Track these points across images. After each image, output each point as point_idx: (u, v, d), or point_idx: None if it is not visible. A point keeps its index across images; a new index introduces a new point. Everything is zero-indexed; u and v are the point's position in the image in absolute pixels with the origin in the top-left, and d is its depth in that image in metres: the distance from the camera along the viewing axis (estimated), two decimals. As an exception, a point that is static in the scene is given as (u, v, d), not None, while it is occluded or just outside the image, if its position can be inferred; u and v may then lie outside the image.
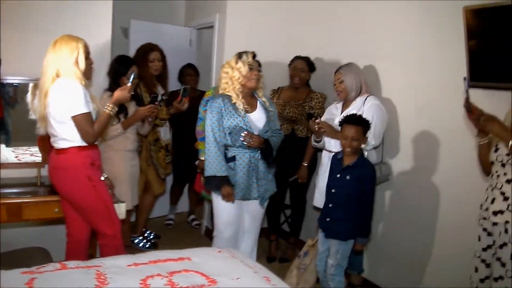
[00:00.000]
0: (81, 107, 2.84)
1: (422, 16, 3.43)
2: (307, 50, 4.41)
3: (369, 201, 3.12)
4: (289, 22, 4.85)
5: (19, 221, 3.43)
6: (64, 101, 2.83)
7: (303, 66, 4.17)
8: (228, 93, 3.25)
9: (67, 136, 2.92)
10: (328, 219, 3.20)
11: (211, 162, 3.23)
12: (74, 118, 2.85)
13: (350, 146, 3.06)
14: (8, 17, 3.66)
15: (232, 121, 3.20)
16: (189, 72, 4.96)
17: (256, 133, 3.25)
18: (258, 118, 3.30)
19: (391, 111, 3.60)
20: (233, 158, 3.26)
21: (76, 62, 2.88)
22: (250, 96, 3.33)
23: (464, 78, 2.69)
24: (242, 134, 3.20)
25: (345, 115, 3.23)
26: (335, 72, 3.60)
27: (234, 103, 3.22)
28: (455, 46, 3.08)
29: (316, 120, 3.47)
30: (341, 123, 3.13)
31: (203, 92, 4.68)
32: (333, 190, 3.20)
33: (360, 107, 3.46)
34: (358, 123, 3.07)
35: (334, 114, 3.65)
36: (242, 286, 2.28)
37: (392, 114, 3.61)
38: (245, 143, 3.21)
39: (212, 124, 3.22)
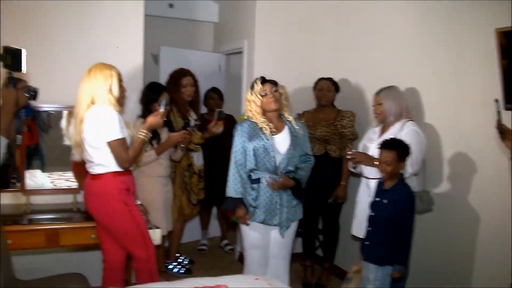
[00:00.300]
0: (116, 133, 2.90)
1: (456, 38, 3.42)
2: (337, 73, 4.45)
3: (406, 226, 3.07)
4: (318, 46, 4.90)
5: (56, 247, 3.49)
6: (99, 127, 2.89)
7: (329, 85, 4.23)
8: (251, 115, 3.32)
9: (103, 162, 2.97)
10: (367, 243, 3.19)
11: (230, 183, 3.30)
12: (110, 143, 2.90)
13: (384, 170, 3.06)
14: (42, 46, 3.78)
15: (257, 143, 3.23)
16: (213, 96, 5.03)
17: (281, 155, 3.25)
18: (282, 140, 3.29)
19: (433, 138, 3.54)
20: (257, 180, 3.27)
21: (110, 90, 2.95)
22: (278, 118, 3.35)
23: (496, 100, 2.68)
24: (265, 181, 3.24)
25: (382, 140, 3.21)
26: (375, 94, 3.57)
27: (261, 128, 3.26)
28: (490, 68, 3.06)
29: (349, 153, 3.45)
30: (380, 147, 3.13)
31: (229, 116, 4.76)
32: (372, 213, 3.19)
33: (398, 133, 3.38)
34: (392, 147, 3.05)
35: (371, 139, 3.61)
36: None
37: (434, 140, 3.55)
38: (270, 188, 3.24)
39: (236, 146, 3.29)
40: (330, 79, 4.25)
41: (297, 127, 3.36)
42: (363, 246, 3.25)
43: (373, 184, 3.44)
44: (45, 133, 3.91)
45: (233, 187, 3.27)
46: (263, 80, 3.30)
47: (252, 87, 3.31)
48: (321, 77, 4.31)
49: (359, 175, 3.71)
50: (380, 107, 3.48)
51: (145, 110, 3.84)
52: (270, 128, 3.27)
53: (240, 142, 3.28)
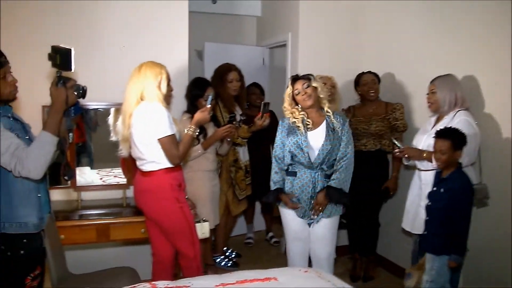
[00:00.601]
0: (166, 130, 2.91)
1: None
2: (383, 65, 4.36)
3: (463, 216, 2.97)
4: (362, 37, 4.82)
5: (107, 241, 3.57)
6: (149, 123, 2.91)
7: (373, 79, 4.15)
8: (288, 116, 3.33)
9: (155, 159, 2.99)
10: (425, 233, 3.13)
11: (271, 176, 3.37)
12: (160, 140, 2.92)
13: (439, 159, 2.99)
14: (89, 47, 3.85)
15: (292, 139, 3.24)
16: (254, 91, 4.99)
17: (316, 152, 3.22)
18: (318, 136, 3.25)
19: (492, 128, 3.40)
20: (293, 173, 3.28)
21: (159, 87, 2.97)
22: (317, 112, 3.30)
23: None
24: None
25: (437, 129, 3.11)
26: (430, 83, 3.45)
27: (297, 121, 3.25)
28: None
29: (396, 151, 3.40)
30: (435, 136, 3.05)
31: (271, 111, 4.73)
32: (429, 203, 3.12)
33: (449, 122, 3.27)
34: (447, 136, 2.97)
35: (426, 130, 3.49)
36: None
37: (493, 131, 3.40)
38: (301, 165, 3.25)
39: (276, 141, 3.35)
40: (372, 73, 4.17)
41: (335, 121, 3.28)
42: (421, 237, 3.20)
43: (424, 176, 3.36)
44: (93, 131, 3.99)
45: (273, 180, 3.35)
46: (294, 78, 3.28)
47: (287, 86, 3.32)
48: (361, 72, 4.23)
49: (412, 168, 3.62)
50: (433, 96, 3.37)
51: (191, 106, 3.87)
52: (307, 124, 3.25)
53: (280, 137, 3.33)
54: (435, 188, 3.08)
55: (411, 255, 3.79)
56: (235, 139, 4.10)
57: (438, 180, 3.08)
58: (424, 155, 3.29)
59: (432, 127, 3.40)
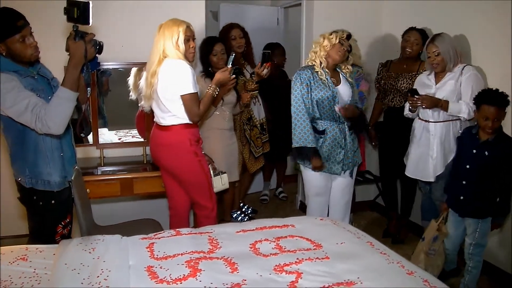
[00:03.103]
0: (190, 87, 3.00)
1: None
2: (397, 24, 4.33)
3: (509, 179, 2.97)
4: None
5: (131, 195, 3.73)
6: (174, 80, 3.00)
7: (417, 38, 3.95)
8: (313, 62, 3.30)
9: (177, 113, 3.09)
10: (461, 197, 3.11)
11: (300, 132, 3.24)
12: (183, 97, 3.02)
13: (492, 127, 2.93)
14: (111, 7, 3.89)
15: (321, 93, 3.24)
16: (278, 52, 5.02)
17: (344, 104, 3.29)
18: (344, 91, 3.32)
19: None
20: (323, 132, 3.30)
21: (177, 45, 3.04)
22: (334, 71, 3.36)
23: None
24: (337, 109, 3.24)
25: (482, 92, 3.04)
26: (428, 44, 3.49)
27: (321, 76, 3.26)
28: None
29: (417, 97, 3.41)
30: (478, 101, 3.00)
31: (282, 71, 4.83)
32: (467, 166, 3.08)
33: (458, 78, 3.38)
34: (500, 104, 2.93)
35: (428, 84, 3.55)
36: (346, 250, 2.36)
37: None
38: (341, 114, 3.25)
39: (302, 95, 3.25)
40: (419, 30, 3.98)
41: (350, 80, 3.41)
42: (454, 201, 3.18)
43: (434, 127, 3.46)
44: (104, 96, 4.06)
45: (306, 137, 3.22)
46: (348, 36, 3.31)
47: (335, 31, 3.29)
48: (411, 26, 4.04)
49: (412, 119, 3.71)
50: (438, 57, 3.41)
51: (204, 65, 3.93)
52: (332, 79, 3.31)
53: (304, 91, 3.25)
54: (474, 151, 3.04)
55: (421, 207, 3.91)
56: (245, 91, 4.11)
57: (478, 142, 3.03)
58: (442, 104, 3.36)
59: (436, 83, 3.50)
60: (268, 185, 5.43)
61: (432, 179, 3.53)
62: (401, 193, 4.30)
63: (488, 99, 2.94)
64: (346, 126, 3.33)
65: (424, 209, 3.88)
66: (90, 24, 2.39)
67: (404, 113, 3.72)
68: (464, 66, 3.40)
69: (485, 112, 2.93)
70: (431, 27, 4.00)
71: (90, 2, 2.37)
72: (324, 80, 3.25)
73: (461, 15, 3.75)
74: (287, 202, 5.34)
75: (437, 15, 4.04)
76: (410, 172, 3.69)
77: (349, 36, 3.30)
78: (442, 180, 3.48)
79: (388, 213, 4.49)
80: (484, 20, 3.54)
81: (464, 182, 3.09)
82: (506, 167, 2.95)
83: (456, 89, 3.41)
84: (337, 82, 3.34)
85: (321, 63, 3.27)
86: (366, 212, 4.97)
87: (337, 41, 3.23)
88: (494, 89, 2.99)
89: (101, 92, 4.03)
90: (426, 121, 3.53)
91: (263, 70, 3.76)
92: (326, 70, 3.28)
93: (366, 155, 4.57)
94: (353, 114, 3.28)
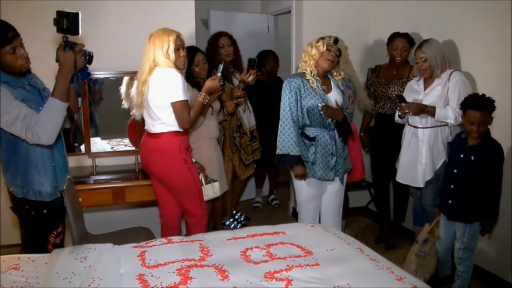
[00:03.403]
0: (180, 95, 3.03)
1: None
2: (385, 29, 4.32)
3: (496, 183, 2.99)
4: (366, 2, 4.83)
5: (122, 203, 3.75)
6: (164, 88, 3.03)
7: (404, 44, 3.99)
8: (304, 71, 3.31)
9: (167, 121, 3.12)
10: (450, 201, 3.15)
11: (285, 140, 3.25)
12: (173, 104, 3.05)
13: (477, 132, 2.96)
14: (100, 17, 3.93)
15: (310, 101, 3.25)
16: (272, 59, 5.04)
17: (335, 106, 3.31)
18: (334, 98, 3.33)
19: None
20: (314, 139, 3.32)
21: (167, 54, 3.07)
22: (325, 78, 3.37)
23: None
24: (319, 105, 3.22)
25: (467, 97, 3.08)
26: (416, 50, 3.54)
27: (312, 84, 3.27)
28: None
29: (404, 105, 3.45)
30: (464, 106, 3.03)
31: (277, 78, 4.85)
32: (455, 171, 3.12)
33: (445, 83, 3.43)
34: (485, 108, 2.95)
35: (416, 90, 3.60)
36: (336, 256, 2.38)
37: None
38: (322, 113, 3.23)
39: (290, 103, 3.25)
40: (405, 36, 4.01)
41: (342, 87, 3.42)
42: (443, 205, 3.21)
43: (422, 133, 3.50)
44: (97, 104, 4.09)
45: (289, 145, 3.24)
46: (335, 41, 3.29)
47: (322, 38, 3.29)
48: (395, 32, 4.07)
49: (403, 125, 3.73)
50: (425, 63, 3.46)
51: (187, 75, 3.87)
52: (323, 86, 3.32)
53: (293, 99, 3.25)
54: (462, 155, 3.07)
55: (413, 212, 3.94)
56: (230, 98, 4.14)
57: (466, 147, 3.06)
58: (428, 109, 3.40)
59: (425, 88, 3.54)
60: (260, 192, 5.45)
61: (421, 185, 3.56)
62: (394, 198, 4.32)
63: (473, 104, 2.98)
64: (336, 133, 3.34)
65: (415, 214, 3.92)
66: (80, 35, 2.41)
67: (395, 119, 3.76)
68: (452, 72, 3.45)
69: (470, 116, 2.96)
70: (420, 31, 4.05)
71: (79, 13, 2.40)
72: (315, 88, 3.26)
73: (450, 20, 3.80)
74: (280, 209, 5.37)
75: (425, 20, 4.09)
76: (400, 177, 3.72)
77: (336, 41, 3.29)
78: (432, 185, 3.52)
79: (381, 218, 4.53)
80: (473, 25, 3.58)
81: (452, 186, 3.13)
82: (493, 172, 2.98)
83: (443, 95, 3.45)
84: (328, 90, 3.35)
85: (311, 71, 3.28)
86: (359, 217, 5.01)
87: (325, 48, 3.24)
88: (480, 94, 3.03)
89: (94, 100, 4.05)
90: (415, 127, 3.57)
91: (249, 77, 3.77)
92: (317, 78, 3.30)
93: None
94: (334, 115, 3.26)
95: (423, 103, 3.48)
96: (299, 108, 3.27)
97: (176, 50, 3.11)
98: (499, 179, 3.01)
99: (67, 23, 2.38)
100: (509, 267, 3.38)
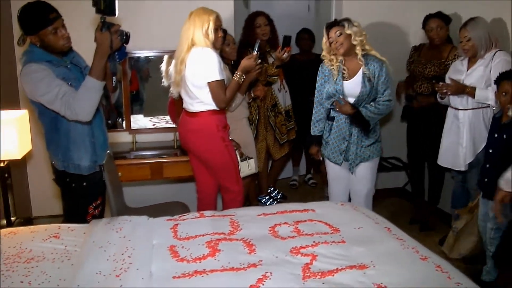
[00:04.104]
0: (216, 74, 3.09)
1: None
2: (428, 9, 4.25)
3: None
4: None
5: (160, 178, 3.88)
6: (201, 67, 3.09)
7: (439, 23, 3.90)
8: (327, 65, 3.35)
9: (204, 99, 3.19)
10: (486, 180, 3.12)
11: (312, 121, 3.49)
12: (210, 84, 3.11)
13: (505, 102, 2.94)
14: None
15: (329, 87, 3.31)
16: (303, 36, 5.05)
17: (352, 100, 3.28)
18: (353, 86, 3.27)
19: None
20: (332, 118, 3.38)
21: (207, 33, 3.12)
22: (354, 60, 3.28)
23: None
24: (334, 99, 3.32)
25: (503, 72, 3.05)
26: (460, 29, 3.46)
27: (334, 69, 3.29)
28: None
29: (442, 84, 3.41)
30: (497, 80, 3.01)
31: (319, 55, 4.82)
32: (490, 150, 3.10)
33: (488, 64, 3.34)
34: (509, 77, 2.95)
35: (460, 70, 3.52)
36: (363, 235, 2.41)
37: None
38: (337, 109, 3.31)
39: (318, 86, 3.42)
40: (439, 15, 3.93)
41: (370, 69, 3.23)
42: (481, 183, 3.18)
43: (463, 114, 3.43)
44: (144, 81, 4.22)
45: (312, 125, 3.48)
46: (328, 26, 3.26)
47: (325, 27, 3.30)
48: (428, 14, 4.00)
49: (446, 106, 3.66)
50: (469, 43, 3.38)
51: None
52: (343, 73, 3.29)
53: (320, 82, 3.40)
54: (496, 135, 3.05)
55: (452, 195, 3.90)
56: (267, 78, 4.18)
57: (499, 125, 3.05)
58: (468, 90, 3.35)
59: (468, 68, 3.45)
60: (297, 170, 5.49)
61: (463, 168, 3.51)
62: (429, 179, 4.29)
63: (506, 75, 2.97)
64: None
65: (455, 197, 3.86)
66: (116, 16, 2.49)
67: (437, 99, 3.71)
68: (496, 52, 3.35)
69: (503, 88, 2.95)
70: (466, 12, 3.91)
71: None
72: (334, 74, 3.29)
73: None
74: (317, 189, 5.37)
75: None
76: (442, 161, 3.68)
77: (331, 24, 3.26)
78: (475, 168, 3.45)
79: (415, 199, 4.50)
80: None
81: (487, 166, 3.11)
82: None
83: (485, 75, 3.36)
84: (351, 75, 3.28)
85: (329, 58, 3.30)
86: (393, 198, 4.97)
87: (327, 43, 3.26)
88: None
89: (142, 78, 4.17)
90: (456, 108, 3.51)
91: (283, 54, 3.81)
92: (338, 64, 3.27)
93: (394, 140, 4.60)
94: (341, 111, 3.29)
95: (465, 83, 3.41)
96: (323, 92, 3.38)
97: (215, 30, 3.16)
98: None
99: (104, 4, 2.46)
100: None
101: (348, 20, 3.24)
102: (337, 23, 3.25)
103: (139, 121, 4.21)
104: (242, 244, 2.30)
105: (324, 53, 3.34)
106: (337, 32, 3.20)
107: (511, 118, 2.94)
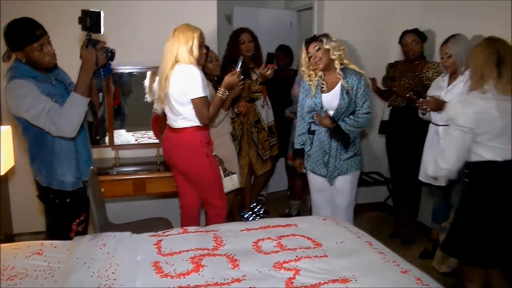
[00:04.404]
0: (200, 91, 3.11)
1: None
2: (407, 26, 4.35)
3: None
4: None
5: (143, 194, 3.88)
6: (185, 84, 3.11)
7: (414, 38, 4.06)
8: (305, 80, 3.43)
9: (188, 116, 3.20)
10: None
11: (296, 134, 3.56)
12: (193, 101, 3.13)
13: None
14: (121, 14, 4.04)
15: (308, 101, 3.39)
16: (278, 54, 5.10)
17: (331, 112, 3.34)
18: (332, 98, 3.35)
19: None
20: (313, 132, 3.44)
21: (191, 50, 3.15)
22: (333, 74, 3.35)
23: None
24: (313, 113, 3.38)
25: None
26: (441, 46, 3.54)
27: (312, 85, 3.37)
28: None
29: (422, 100, 3.46)
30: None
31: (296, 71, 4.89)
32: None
33: (467, 80, 3.37)
34: None
35: (441, 86, 3.59)
36: (345, 249, 2.45)
37: None
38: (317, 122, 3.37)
39: (300, 101, 3.49)
40: (415, 31, 4.09)
41: (349, 82, 3.30)
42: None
43: (441, 130, 3.47)
44: (126, 96, 4.24)
45: (296, 138, 3.55)
46: (307, 42, 3.33)
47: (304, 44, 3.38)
48: (405, 29, 4.15)
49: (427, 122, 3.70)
50: (449, 59, 3.46)
51: None
52: (322, 86, 3.36)
53: (301, 97, 3.48)
54: None
55: (433, 210, 3.96)
56: (247, 95, 4.24)
57: None
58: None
59: (448, 84, 3.52)
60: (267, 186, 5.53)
61: (443, 184, 3.50)
62: (408, 193, 4.32)
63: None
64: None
65: (435, 213, 3.94)
66: (102, 33, 2.51)
67: (419, 115, 3.76)
68: None
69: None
70: (447, 28, 3.98)
71: (102, 12, 2.50)
72: (312, 88, 3.37)
73: (479, 15, 3.78)
74: (300, 202, 5.40)
75: (452, 17, 4.09)
76: (422, 176, 3.68)
77: (310, 40, 3.33)
78: (459, 183, 3.40)
79: (396, 214, 4.55)
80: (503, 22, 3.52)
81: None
82: None
83: (464, 91, 3.37)
84: (330, 88, 3.36)
85: (308, 73, 3.38)
86: (374, 213, 5.03)
87: (306, 59, 3.33)
88: None
89: (124, 93, 4.19)
90: (436, 124, 3.56)
91: (267, 71, 3.89)
92: (317, 79, 3.36)
93: (375, 155, 4.65)
94: (322, 124, 3.34)
95: (445, 99, 3.45)
96: (305, 107, 3.44)
97: (199, 46, 3.19)
98: None
99: (90, 21, 2.50)
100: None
101: (326, 35, 3.32)
102: (315, 38, 3.33)
103: (121, 136, 4.23)
104: (225, 259, 2.32)
105: (303, 68, 3.40)
106: (316, 47, 3.27)
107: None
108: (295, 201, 5.07)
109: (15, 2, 3.70)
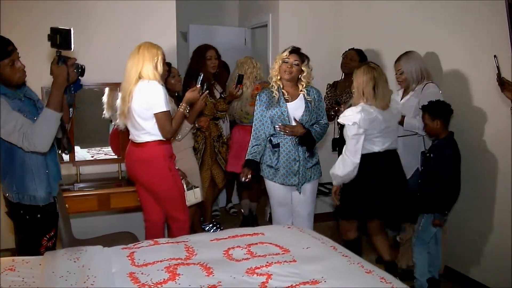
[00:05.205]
0: (163, 106, 3.19)
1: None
2: (360, 43, 4.63)
3: (449, 179, 3.31)
4: (341, 17, 5.12)
5: (107, 209, 3.91)
6: (148, 99, 3.18)
7: (353, 55, 4.38)
8: (271, 88, 3.54)
9: (151, 130, 3.27)
10: (418, 194, 3.47)
11: (249, 145, 3.58)
12: (156, 115, 3.20)
13: (426, 131, 3.48)
14: (82, 29, 4.04)
15: (273, 111, 3.46)
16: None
17: (294, 122, 3.47)
18: (296, 107, 3.49)
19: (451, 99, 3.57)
20: (277, 145, 3.51)
21: (156, 67, 3.24)
22: (294, 87, 3.53)
23: (495, 56, 2.96)
24: (276, 126, 3.46)
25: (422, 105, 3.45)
26: (395, 62, 3.76)
27: (274, 95, 3.49)
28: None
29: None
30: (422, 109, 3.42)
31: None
32: (421, 167, 3.53)
33: (418, 95, 3.62)
34: (425, 109, 3.38)
35: (395, 101, 3.75)
36: (311, 254, 2.59)
37: (456, 100, 3.58)
38: (282, 133, 3.46)
39: (256, 114, 3.55)
40: (357, 50, 4.41)
41: (309, 98, 3.50)
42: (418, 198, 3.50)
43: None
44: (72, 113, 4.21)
45: (249, 148, 3.56)
46: (294, 50, 3.47)
47: (282, 52, 3.51)
48: (351, 48, 4.48)
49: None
50: (402, 75, 3.70)
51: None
52: (284, 96, 3.49)
53: (259, 110, 3.53)
54: (427, 154, 3.42)
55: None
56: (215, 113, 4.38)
57: (431, 146, 3.45)
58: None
59: (401, 99, 3.75)
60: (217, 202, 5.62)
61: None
62: None
63: (424, 106, 3.38)
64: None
65: None
66: (72, 50, 2.56)
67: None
68: (425, 84, 3.63)
69: (423, 118, 3.42)
70: (401, 45, 4.12)
71: (72, 29, 2.54)
72: (277, 99, 3.47)
73: (432, 32, 3.98)
74: (258, 214, 5.51)
75: (406, 35, 4.29)
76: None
77: (294, 50, 3.46)
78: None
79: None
80: (456, 38, 3.74)
81: (419, 181, 3.49)
82: (446, 169, 3.30)
83: (414, 106, 3.63)
84: (292, 99, 3.50)
85: (276, 84, 3.50)
86: (330, 222, 5.18)
87: (281, 61, 3.45)
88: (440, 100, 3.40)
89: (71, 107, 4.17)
90: None
91: (238, 91, 4.08)
92: (282, 90, 3.49)
93: (329, 166, 4.81)
94: (293, 133, 3.45)
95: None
96: (264, 119, 3.51)
97: (163, 63, 3.29)
98: (452, 174, 3.35)
99: (60, 38, 2.54)
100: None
101: (308, 59, 3.51)
102: (301, 54, 3.48)
103: (77, 153, 4.22)
104: (199, 267, 2.40)
105: (274, 73, 3.50)
106: (296, 61, 3.43)
107: (437, 141, 3.36)
108: (253, 202, 5.20)
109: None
